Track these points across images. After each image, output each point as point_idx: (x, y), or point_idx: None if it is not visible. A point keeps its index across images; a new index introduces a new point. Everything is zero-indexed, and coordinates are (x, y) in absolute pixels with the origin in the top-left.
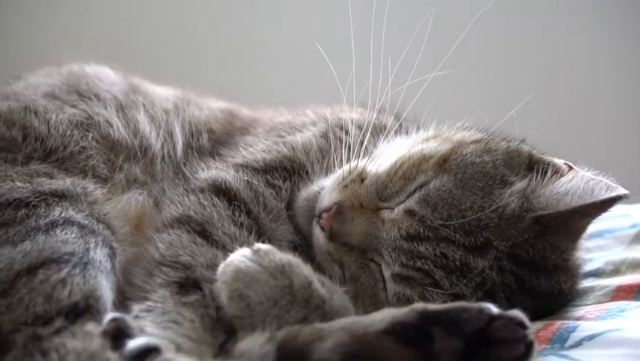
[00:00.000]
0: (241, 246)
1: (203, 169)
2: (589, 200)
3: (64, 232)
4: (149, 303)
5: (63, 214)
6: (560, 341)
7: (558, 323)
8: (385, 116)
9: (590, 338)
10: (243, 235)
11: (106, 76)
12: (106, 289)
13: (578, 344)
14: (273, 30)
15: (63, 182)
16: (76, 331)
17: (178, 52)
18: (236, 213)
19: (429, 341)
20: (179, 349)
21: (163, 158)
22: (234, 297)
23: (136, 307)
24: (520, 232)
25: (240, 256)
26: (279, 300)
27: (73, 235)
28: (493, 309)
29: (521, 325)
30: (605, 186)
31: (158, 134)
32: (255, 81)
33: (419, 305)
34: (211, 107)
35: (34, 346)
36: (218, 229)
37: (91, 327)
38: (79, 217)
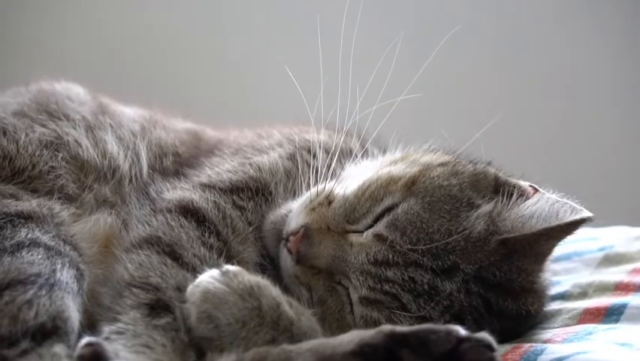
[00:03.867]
0: (210, 268)
1: (168, 189)
2: (554, 223)
3: (30, 253)
4: (119, 325)
5: (29, 235)
6: None
7: (526, 346)
8: (352, 138)
9: (558, 360)
10: (212, 258)
11: (75, 95)
12: (73, 310)
13: None
14: (241, 51)
15: (29, 203)
16: (43, 353)
17: (148, 71)
18: (206, 235)
19: None
20: None
21: (130, 179)
22: (203, 318)
23: (106, 329)
24: (486, 255)
25: (209, 278)
26: (248, 321)
27: (40, 257)
28: (461, 331)
29: (489, 347)
30: (570, 208)
31: (126, 156)
32: (222, 101)
33: (387, 327)
34: (177, 128)
35: None
36: (187, 250)
37: (58, 349)
38: (45, 238)
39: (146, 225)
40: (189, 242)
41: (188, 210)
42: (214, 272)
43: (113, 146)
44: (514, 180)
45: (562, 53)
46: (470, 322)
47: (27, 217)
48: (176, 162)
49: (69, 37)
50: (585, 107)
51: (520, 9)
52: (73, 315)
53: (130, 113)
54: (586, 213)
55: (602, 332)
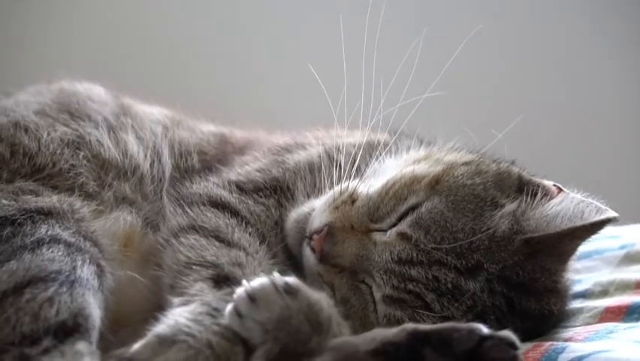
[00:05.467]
0: (257, 252)
1: (199, 184)
2: (578, 223)
3: (50, 250)
4: (187, 296)
5: (49, 232)
6: None
7: (547, 345)
8: (376, 136)
9: (579, 359)
10: (255, 242)
11: (97, 95)
12: (94, 307)
13: None
14: (263, 50)
15: (50, 199)
16: (65, 350)
17: (170, 70)
18: (242, 224)
19: None
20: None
21: (153, 178)
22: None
23: (176, 301)
24: (510, 255)
25: (271, 290)
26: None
27: (60, 253)
28: (484, 329)
29: (512, 345)
30: (595, 208)
31: (146, 155)
32: (244, 101)
33: (410, 325)
34: (203, 130)
35: None
36: (229, 234)
37: (81, 346)
38: (65, 235)
39: (184, 216)
40: (228, 228)
41: (219, 204)
42: (277, 280)
43: (133, 146)
44: (537, 180)
45: (589, 52)
46: (493, 321)
47: (47, 213)
48: (202, 160)
49: (77, 36)
50: (610, 107)
51: (545, 7)
52: (95, 312)
53: (154, 113)
54: (611, 214)
55: (623, 330)
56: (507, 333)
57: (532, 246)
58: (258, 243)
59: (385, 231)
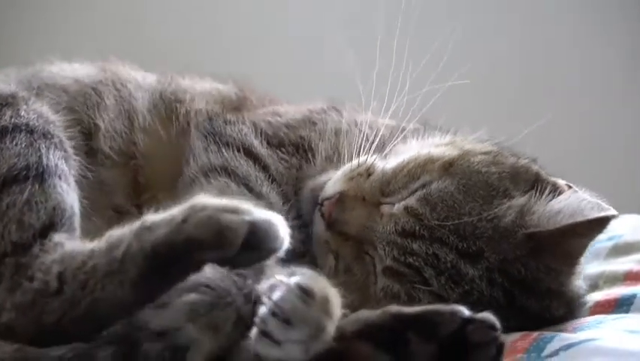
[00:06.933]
0: (281, 212)
1: (232, 125)
2: (578, 219)
3: (14, 142)
4: None
5: (13, 119)
6: (536, 351)
7: (535, 334)
8: (408, 124)
9: (567, 347)
10: (279, 202)
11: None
12: (67, 194)
13: (554, 353)
14: (296, 29)
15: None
16: (48, 248)
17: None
18: (269, 179)
19: (403, 344)
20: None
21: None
22: None
23: None
24: (512, 248)
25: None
26: None
27: (24, 144)
28: (466, 312)
29: (492, 327)
30: (597, 206)
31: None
32: (273, 80)
33: (394, 307)
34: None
35: (20, 275)
36: (259, 186)
37: (58, 238)
38: (26, 119)
39: (218, 155)
40: (258, 180)
41: (251, 154)
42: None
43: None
44: (552, 179)
45: (621, 52)
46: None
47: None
48: (229, 108)
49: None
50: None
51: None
52: (69, 199)
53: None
54: (611, 212)
55: (612, 321)
56: (487, 315)
57: (535, 242)
58: (281, 203)
59: (394, 205)
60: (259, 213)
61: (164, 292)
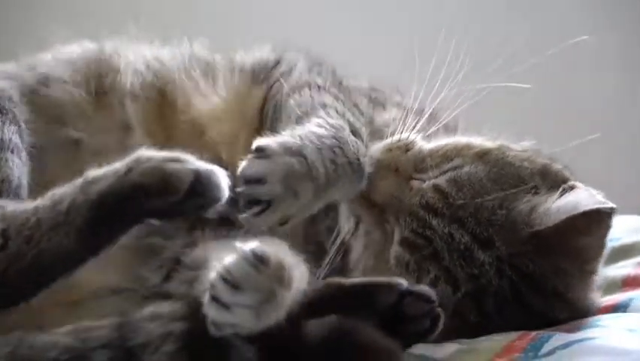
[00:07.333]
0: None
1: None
2: (572, 213)
3: None
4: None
5: None
6: (534, 350)
7: (533, 334)
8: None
9: (565, 346)
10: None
11: None
12: (18, 167)
13: (551, 352)
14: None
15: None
16: None
17: None
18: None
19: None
20: None
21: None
22: None
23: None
24: (518, 242)
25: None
26: None
27: None
28: (404, 284)
29: (428, 300)
30: (593, 200)
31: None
32: None
33: (335, 279)
34: None
35: None
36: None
37: (2, 202)
38: None
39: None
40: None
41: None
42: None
43: None
44: (578, 183)
45: None
46: (490, 304)
47: None
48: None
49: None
50: None
51: None
52: (17, 172)
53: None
54: (607, 205)
55: (611, 320)
56: (424, 288)
57: (539, 239)
58: (363, 128)
59: (424, 181)
60: (202, 163)
61: (111, 242)
